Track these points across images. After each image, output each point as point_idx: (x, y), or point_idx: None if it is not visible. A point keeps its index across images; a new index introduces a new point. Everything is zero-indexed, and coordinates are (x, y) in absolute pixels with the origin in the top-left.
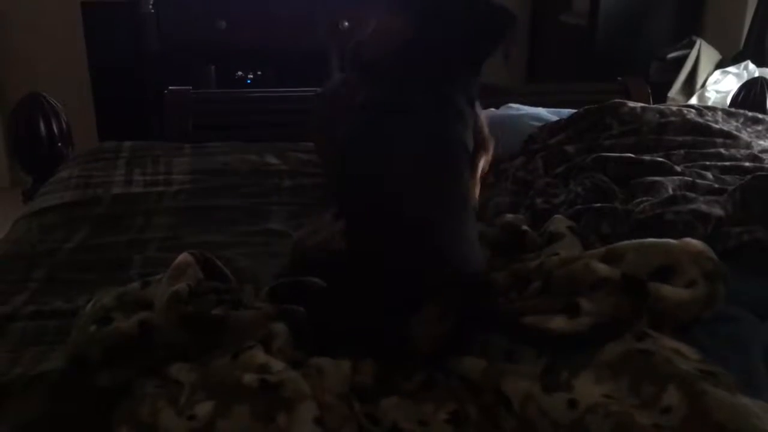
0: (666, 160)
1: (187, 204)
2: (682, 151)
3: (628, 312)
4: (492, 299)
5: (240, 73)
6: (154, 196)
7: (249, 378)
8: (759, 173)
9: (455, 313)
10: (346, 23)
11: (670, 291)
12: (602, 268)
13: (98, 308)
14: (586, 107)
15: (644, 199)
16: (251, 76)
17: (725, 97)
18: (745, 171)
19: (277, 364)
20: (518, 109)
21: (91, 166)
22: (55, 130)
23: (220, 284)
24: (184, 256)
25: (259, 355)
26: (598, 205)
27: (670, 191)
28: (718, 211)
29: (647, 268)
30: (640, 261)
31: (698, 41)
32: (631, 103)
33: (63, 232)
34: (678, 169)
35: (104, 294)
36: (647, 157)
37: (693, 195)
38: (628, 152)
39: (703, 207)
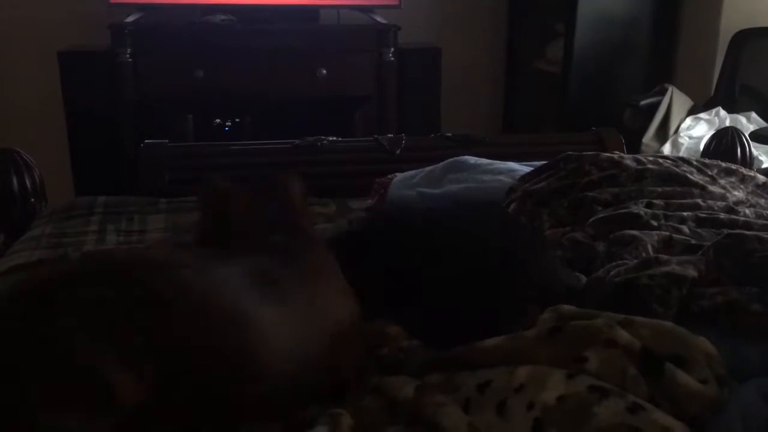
0: (644, 211)
1: None
2: (663, 202)
3: (631, 383)
4: None
5: (218, 120)
6: None
7: None
8: (731, 232)
9: None
10: (324, 71)
11: (685, 378)
12: (623, 335)
13: None
14: (563, 155)
15: (620, 262)
16: (229, 124)
17: (698, 143)
18: (721, 224)
19: None
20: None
21: (64, 224)
22: (29, 185)
23: None
24: None
25: None
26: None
27: (649, 248)
28: (691, 272)
29: (662, 351)
30: (656, 341)
31: (670, 88)
32: (607, 154)
33: None
34: (654, 224)
35: None
36: (624, 211)
37: (666, 257)
38: (610, 203)
39: (677, 269)
